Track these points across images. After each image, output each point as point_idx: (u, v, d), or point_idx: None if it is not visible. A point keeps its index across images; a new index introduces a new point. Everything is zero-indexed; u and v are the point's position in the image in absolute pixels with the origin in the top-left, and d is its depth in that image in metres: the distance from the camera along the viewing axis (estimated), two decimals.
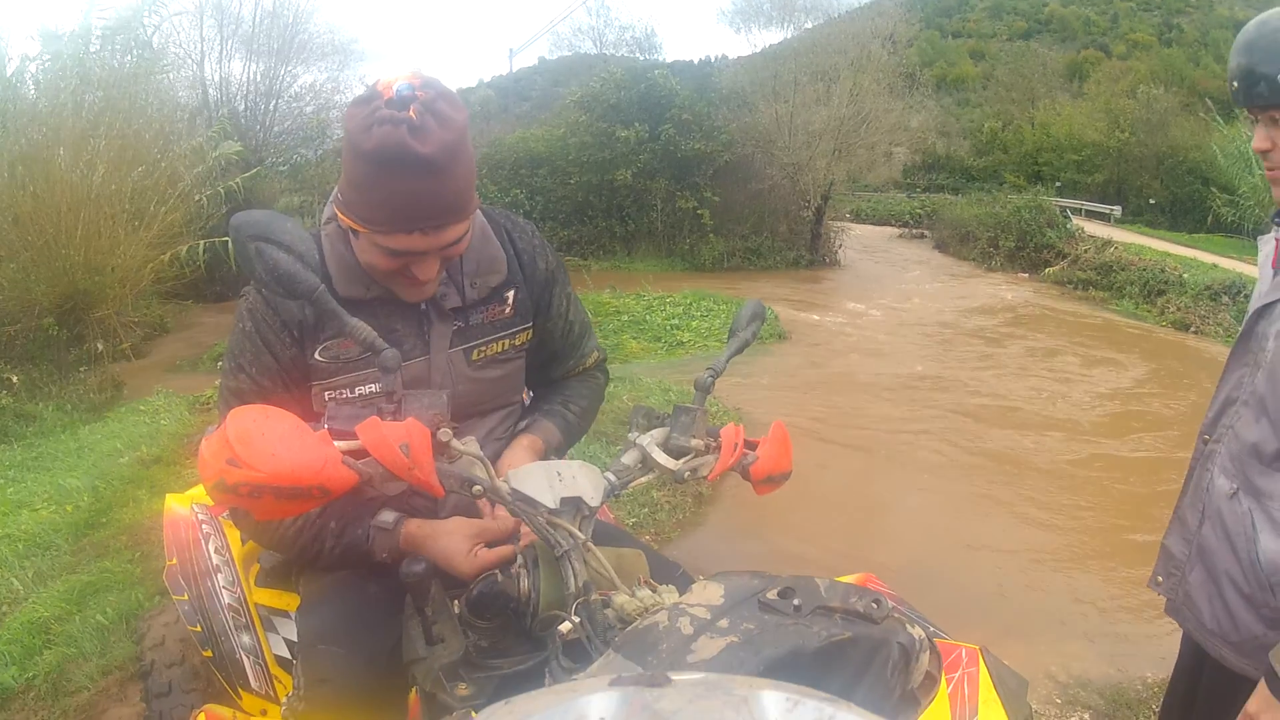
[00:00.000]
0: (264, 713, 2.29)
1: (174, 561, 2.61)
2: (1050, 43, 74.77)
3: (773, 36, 31.21)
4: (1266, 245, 2.17)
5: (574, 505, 1.61)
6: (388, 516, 1.84)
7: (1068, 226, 26.47)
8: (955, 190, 44.15)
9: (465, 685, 1.51)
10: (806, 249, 26.91)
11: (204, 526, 2.62)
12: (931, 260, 28.34)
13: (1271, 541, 2.01)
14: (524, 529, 1.75)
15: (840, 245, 28.05)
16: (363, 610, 1.89)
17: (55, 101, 12.73)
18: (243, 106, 25.37)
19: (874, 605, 1.31)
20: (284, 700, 2.08)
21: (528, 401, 2.39)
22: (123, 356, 12.92)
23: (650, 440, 1.83)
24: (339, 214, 1.78)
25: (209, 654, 2.38)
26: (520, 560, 1.61)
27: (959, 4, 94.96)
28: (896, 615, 1.35)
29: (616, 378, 9.04)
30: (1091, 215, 35.63)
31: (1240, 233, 28.50)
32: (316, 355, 1.88)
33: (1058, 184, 40.77)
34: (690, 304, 16.94)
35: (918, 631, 1.37)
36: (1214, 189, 30.49)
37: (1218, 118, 28.12)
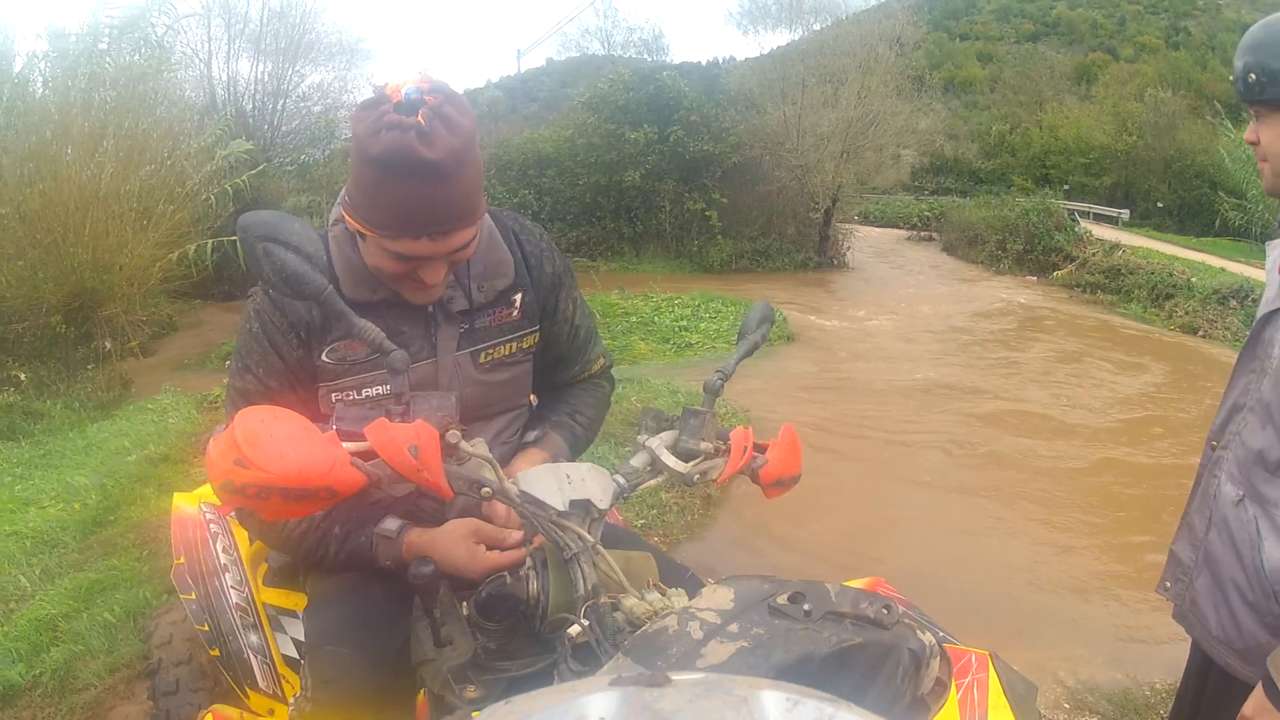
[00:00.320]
0: (271, 712, 2.29)
1: (182, 560, 2.61)
2: (1058, 45, 74.68)
3: (780, 38, 31.25)
4: (1275, 250, 2.16)
5: (583, 508, 1.61)
6: (391, 525, 1.84)
7: (1076, 230, 26.39)
8: (963, 193, 44.07)
9: (474, 687, 1.50)
10: (815, 251, 26.86)
11: (212, 526, 2.62)
12: (940, 263, 28.29)
13: (1276, 549, 2.01)
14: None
15: (848, 248, 28.03)
16: (370, 611, 1.89)
17: (64, 100, 12.76)
18: (250, 106, 25.43)
19: (884, 611, 1.30)
20: (291, 700, 2.07)
21: (533, 406, 2.38)
22: (131, 355, 12.94)
23: (659, 443, 1.83)
24: (346, 217, 1.78)
25: (216, 653, 2.39)
26: (529, 562, 1.61)
27: (966, 6, 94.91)
28: (907, 621, 1.34)
29: (625, 379, 9.05)
30: (1100, 219, 35.53)
31: (1248, 236, 28.47)
32: (323, 357, 1.88)
33: (1065, 187, 40.68)
34: (698, 305, 16.93)
35: (928, 637, 1.36)
36: (1222, 193, 30.50)
37: (1226, 121, 28.07)
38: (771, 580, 1.36)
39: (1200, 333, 17.31)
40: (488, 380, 2.04)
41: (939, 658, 1.38)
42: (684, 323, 15.42)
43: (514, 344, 2.07)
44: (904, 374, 12.18)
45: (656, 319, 15.61)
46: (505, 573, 1.61)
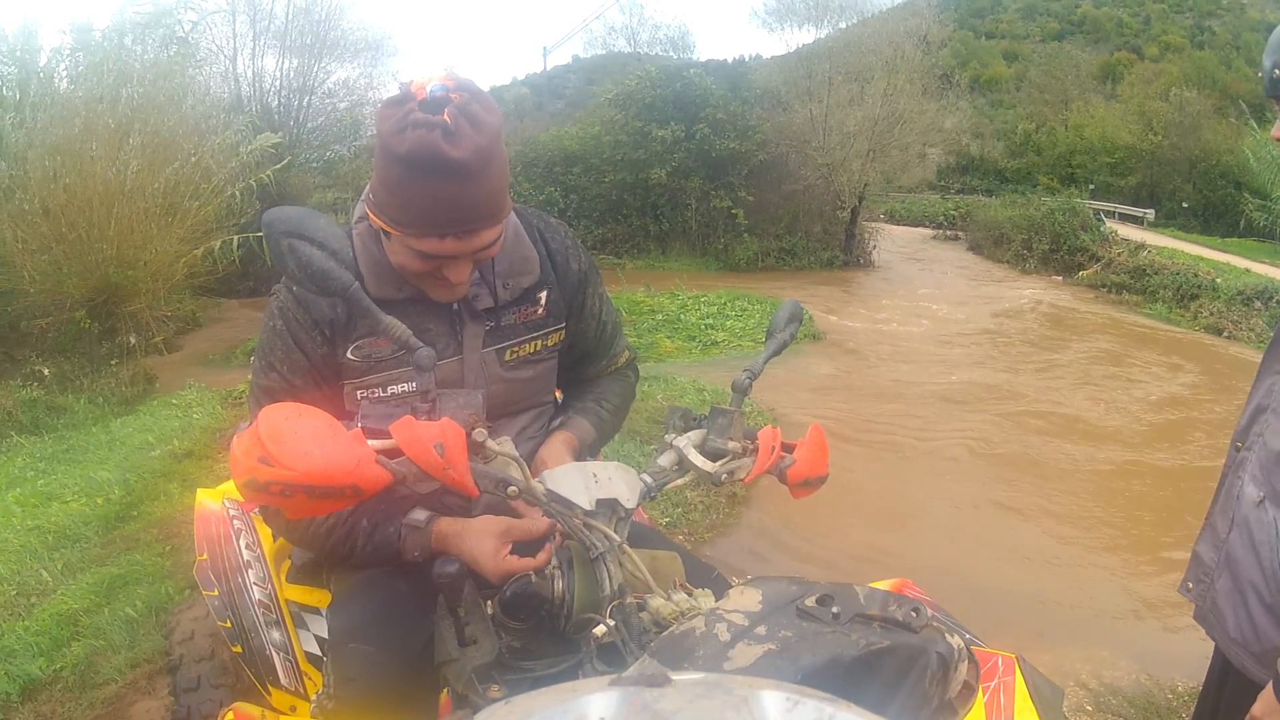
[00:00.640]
0: (293, 709, 2.29)
1: (205, 557, 2.61)
2: (1083, 44, 74.53)
3: (806, 36, 31.11)
4: None
5: (610, 507, 1.60)
6: (420, 515, 1.83)
7: (1101, 230, 26.33)
8: (989, 192, 44.05)
9: (498, 687, 1.49)
10: (841, 250, 26.82)
11: (235, 522, 2.62)
12: (966, 262, 28.25)
13: None
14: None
15: (875, 246, 28.01)
16: (394, 609, 1.88)
17: (91, 95, 12.80)
18: (276, 103, 25.47)
19: (913, 614, 1.29)
20: (313, 697, 2.08)
21: (559, 401, 2.37)
22: (155, 350, 12.98)
23: (687, 442, 1.82)
24: (371, 214, 1.77)
25: (238, 649, 2.38)
26: (555, 562, 1.60)
27: (992, 4, 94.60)
28: (935, 624, 1.34)
29: (651, 377, 9.05)
30: (1125, 219, 35.44)
31: (1273, 237, 28.41)
32: (349, 354, 1.87)
33: (1091, 187, 40.53)
34: (725, 304, 16.87)
35: (956, 640, 1.36)
36: (1246, 193, 30.36)
37: (1250, 121, 27.94)
38: (799, 582, 1.35)
39: (1225, 334, 17.26)
40: (513, 378, 2.03)
41: (966, 661, 1.37)
42: (710, 321, 15.35)
43: (539, 341, 2.06)
44: (932, 374, 12.11)
45: (682, 317, 15.56)
46: (530, 572, 1.61)
